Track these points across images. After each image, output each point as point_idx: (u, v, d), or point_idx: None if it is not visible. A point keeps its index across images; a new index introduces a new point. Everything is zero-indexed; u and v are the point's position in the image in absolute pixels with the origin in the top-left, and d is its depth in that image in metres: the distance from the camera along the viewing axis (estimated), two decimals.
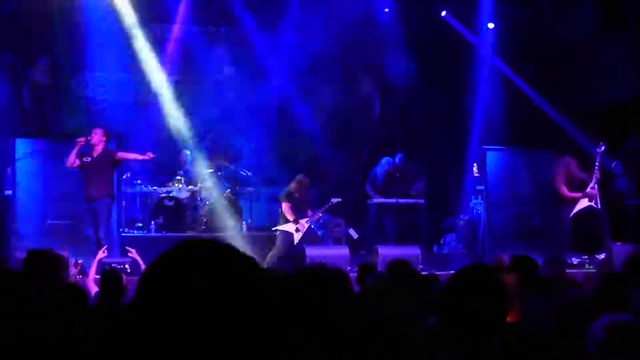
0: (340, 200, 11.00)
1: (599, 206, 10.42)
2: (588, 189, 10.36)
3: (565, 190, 10.48)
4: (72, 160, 9.58)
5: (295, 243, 10.46)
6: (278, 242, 10.54)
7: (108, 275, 5.54)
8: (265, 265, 9.31)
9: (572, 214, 10.48)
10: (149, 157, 10.14)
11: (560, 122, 11.72)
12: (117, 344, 2.79)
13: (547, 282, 5.05)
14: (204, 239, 1.28)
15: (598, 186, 10.38)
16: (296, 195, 10.90)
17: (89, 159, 9.58)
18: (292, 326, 2.06)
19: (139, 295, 1.22)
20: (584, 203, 10.43)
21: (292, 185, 11.02)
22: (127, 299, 5.70)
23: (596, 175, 10.32)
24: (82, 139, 9.56)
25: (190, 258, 1.22)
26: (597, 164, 10.30)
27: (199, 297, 1.17)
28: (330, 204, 10.88)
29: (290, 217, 10.64)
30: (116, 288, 5.38)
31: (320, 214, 10.97)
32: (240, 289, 1.20)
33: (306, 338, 2.14)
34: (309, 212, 10.82)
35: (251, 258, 1.26)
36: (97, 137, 9.65)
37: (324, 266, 2.58)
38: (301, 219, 10.70)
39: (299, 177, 11.12)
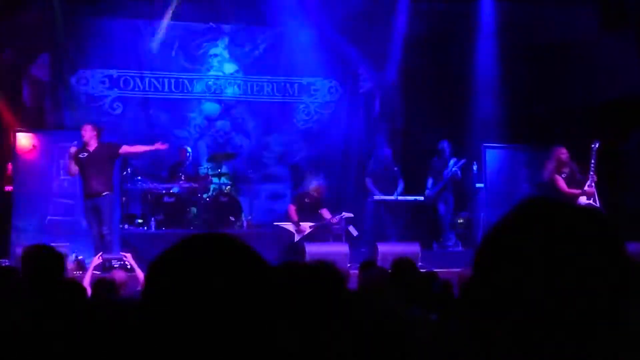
0: (352, 215, 11.04)
1: (598, 204, 10.42)
2: (586, 187, 10.35)
3: (562, 185, 10.46)
4: (73, 170, 9.55)
5: (294, 241, 10.51)
6: (280, 238, 10.59)
7: (99, 284, 5.55)
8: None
9: None
10: (161, 147, 10.00)
11: (559, 120, 11.72)
12: (120, 339, 2.78)
13: None
14: (210, 233, 1.27)
15: (595, 184, 10.38)
16: (306, 199, 10.93)
17: (85, 154, 9.53)
18: (294, 321, 2.06)
19: (147, 291, 1.22)
20: (582, 201, 10.42)
21: (306, 190, 11.03)
22: (125, 295, 5.71)
23: (592, 173, 10.31)
24: (73, 149, 9.53)
25: (197, 253, 1.22)
26: (592, 162, 10.29)
27: (207, 291, 1.17)
28: (341, 216, 10.92)
29: (293, 219, 10.70)
30: (108, 291, 5.39)
31: (329, 221, 10.96)
32: (248, 284, 1.20)
33: (305, 333, 2.14)
34: (325, 214, 10.83)
35: (256, 252, 1.26)
36: (88, 134, 9.58)
37: (323, 263, 2.57)
38: (306, 221, 10.73)
39: (316, 182, 11.12)
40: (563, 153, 10.45)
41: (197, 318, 1.16)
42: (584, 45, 11.54)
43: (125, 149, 9.78)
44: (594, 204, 10.39)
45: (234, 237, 1.27)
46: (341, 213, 10.97)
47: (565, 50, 11.81)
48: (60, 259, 3.29)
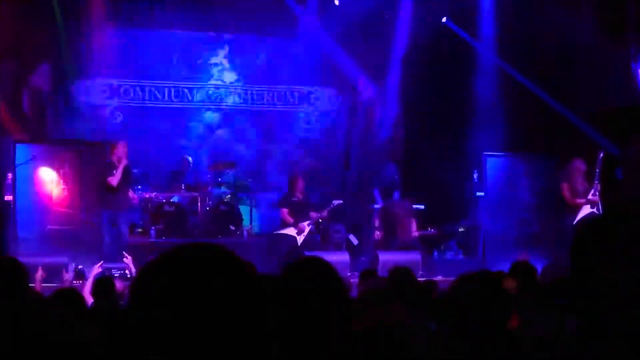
0: (341, 202, 11.00)
1: (601, 213, 10.44)
2: (590, 196, 10.38)
3: (567, 194, 10.49)
4: (117, 180, 9.87)
5: (298, 245, 10.46)
6: (280, 246, 10.54)
7: (100, 283, 5.55)
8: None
9: (574, 222, 10.50)
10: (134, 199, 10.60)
11: (561, 127, 11.71)
12: (111, 347, 2.77)
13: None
14: (199, 243, 1.27)
15: (600, 193, 10.41)
16: (294, 198, 10.90)
17: (115, 171, 9.86)
18: (286, 332, 2.06)
19: (132, 300, 1.21)
20: (586, 210, 10.46)
21: (288, 189, 11.05)
22: (125, 304, 5.71)
23: (597, 182, 10.34)
24: (125, 161, 9.92)
25: (182, 263, 1.22)
26: (597, 170, 10.33)
27: (190, 301, 1.17)
28: (331, 205, 10.89)
29: (288, 221, 10.67)
30: (109, 294, 5.38)
31: (321, 216, 10.95)
32: (234, 294, 1.19)
33: (300, 342, 2.13)
34: (313, 215, 10.82)
35: (246, 262, 1.25)
36: (121, 150, 9.99)
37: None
38: (302, 221, 10.70)
39: (292, 178, 11.16)
40: (580, 168, 10.48)
41: (180, 327, 1.16)
42: (584, 52, 11.54)
43: (131, 193, 10.39)
44: (597, 212, 10.41)
45: (220, 247, 1.26)
46: (331, 204, 10.92)
47: (566, 57, 11.81)
48: (24, 271, 3.24)
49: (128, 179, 10.16)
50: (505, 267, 5.59)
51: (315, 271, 2.17)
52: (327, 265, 2.19)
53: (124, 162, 9.97)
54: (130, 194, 10.39)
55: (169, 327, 1.16)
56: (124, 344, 1.20)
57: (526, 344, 3.12)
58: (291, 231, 10.66)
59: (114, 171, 9.89)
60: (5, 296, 2.87)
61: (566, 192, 10.51)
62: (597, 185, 10.35)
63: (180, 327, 1.16)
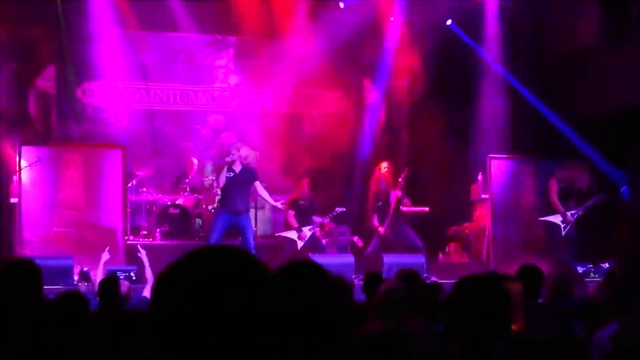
0: (344, 210, 11.02)
1: (563, 234, 10.63)
2: (569, 215, 10.56)
3: (553, 194, 10.76)
4: (222, 181, 9.91)
5: (298, 249, 10.49)
6: (284, 249, 10.57)
7: (105, 283, 5.55)
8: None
9: (543, 218, 10.80)
10: (281, 207, 10.66)
11: (565, 130, 11.70)
12: (125, 349, 2.77)
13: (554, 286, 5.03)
14: (220, 245, 1.28)
15: (576, 219, 10.60)
16: (300, 202, 10.92)
17: (231, 174, 9.91)
18: (302, 332, 2.06)
19: (155, 301, 1.22)
20: (557, 219, 10.67)
21: (294, 191, 11.07)
22: (130, 306, 5.71)
23: (583, 209, 10.53)
24: (228, 158, 9.95)
25: (206, 264, 1.23)
26: (590, 203, 10.52)
27: (214, 302, 1.18)
28: (334, 213, 10.89)
29: (292, 224, 10.68)
30: (114, 294, 5.39)
31: (324, 222, 10.97)
32: (256, 296, 1.20)
33: (311, 345, 2.13)
34: (315, 219, 10.83)
35: (265, 265, 1.26)
36: (237, 154, 10.08)
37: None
38: (305, 226, 10.72)
39: (300, 180, 11.18)
40: (566, 168, 10.62)
41: (206, 329, 1.17)
42: (589, 55, 11.53)
43: (257, 184, 10.25)
44: (562, 231, 10.60)
45: (240, 249, 1.28)
46: (334, 210, 10.93)
47: (571, 60, 11.80)
48: (39, 273, 3.24)
49: (234, 181, 9.97)
50: (511, 269, 5.59)
51: (302, 275, 2.16)
52: (316, 268, 2.19)
53: (239, 166, 10.01)
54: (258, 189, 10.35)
55: (192, 329, 1.17)
56: (145, 347, 1.21)
57: (529, 347, 3.12)
58: (292, 235, 10.69)
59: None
60: (22, 298, 2.89)
61: (552, 193, 10.78)
62: (579, 212, 10.55)
63: (203, 330, 1.17)
